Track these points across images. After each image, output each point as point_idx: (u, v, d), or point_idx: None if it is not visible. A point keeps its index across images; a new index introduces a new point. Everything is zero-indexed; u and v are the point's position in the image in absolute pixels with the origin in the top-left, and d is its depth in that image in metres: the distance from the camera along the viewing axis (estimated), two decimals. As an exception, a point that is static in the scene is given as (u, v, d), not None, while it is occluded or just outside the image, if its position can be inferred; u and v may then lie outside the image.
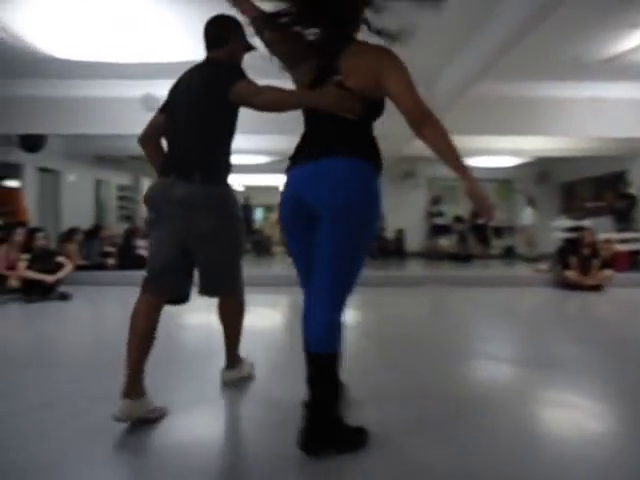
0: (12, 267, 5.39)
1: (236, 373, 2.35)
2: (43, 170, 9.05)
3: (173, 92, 2.07)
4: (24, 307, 4.95)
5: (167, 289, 1.98)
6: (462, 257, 10.22)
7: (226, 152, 2.06)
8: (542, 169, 12.03)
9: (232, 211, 2.06)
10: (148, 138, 2.14)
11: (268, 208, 16.11)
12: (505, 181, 12.51)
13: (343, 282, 1.63)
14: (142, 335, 1.89)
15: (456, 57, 5.54)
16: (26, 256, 5.31)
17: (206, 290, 2.08)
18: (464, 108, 6.31)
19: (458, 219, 11.42)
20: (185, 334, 3.80)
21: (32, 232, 5.61)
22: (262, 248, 12.06)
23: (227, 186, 2.06)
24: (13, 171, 8.29)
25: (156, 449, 1.74)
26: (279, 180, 15.57)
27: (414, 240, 11.63)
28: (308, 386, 1.62)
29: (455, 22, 4.76)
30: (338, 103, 1.57)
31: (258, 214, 16.23)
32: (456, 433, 1.86)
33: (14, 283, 5.33)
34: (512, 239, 11.76)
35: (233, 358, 2.33)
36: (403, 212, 11.56)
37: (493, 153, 10.07)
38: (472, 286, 6.54)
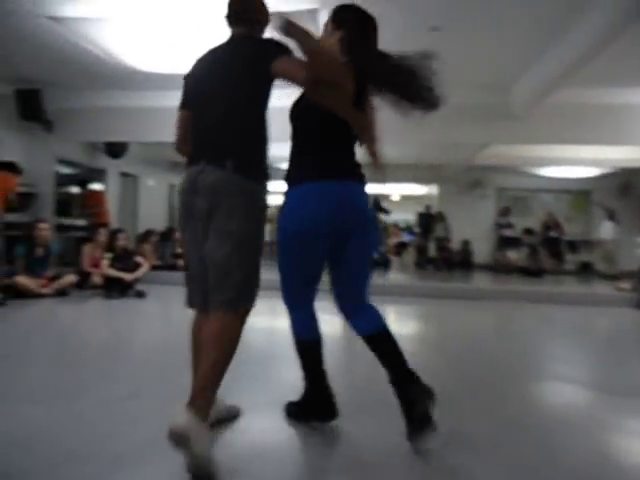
0: (96, 265, 5.80)
1: (199, 427, 1.47)
2: (124, 175, 9.69)
3: (193, 77, 1.87)
4: (104, 302, 5.31)
5: (206, 302, 1.74)
6: (533, 271, 9.72)
7: (262, 140, 1.78)
8: (624, 180, 11.21)
9: (258, 215, 1.74)
10: (184, 141, 1.89)
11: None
12: (582, 192, 11.79)
13: None
14: (199, 352, 1.75)
15: (535, 62, 5.32)
16: (109, 255, 5.70)
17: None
18: (543, 115, 6.05)
19: (528, 231, 10.90)
20: (246, 336, 3.90)
21: (114, 233, 6.01)
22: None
23: (262, 184, 1.76)
24: (98, 175, 8.96)
25: (226, 450, 1.79)
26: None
27: (481, 252, 11.22)
28: (391, 370, 1.80)
29: (535, 26, 4.59)
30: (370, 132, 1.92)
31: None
32: (528, 457, 1.77)
33: (97, 280, 5.73)
34: (589, 254, 11.04)
35: (204, 401, 1.55)
36: (470, 222, 11.21)
37: (572, 163, 9.53)
38: (544, 303, 6.21)
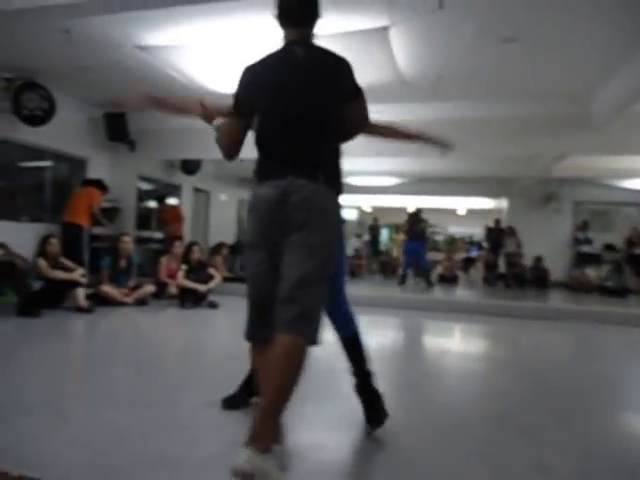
0: (172, 276, 6.12)
1: (262, 461, 1.43)
2: (197, 190, 10.20)
3: (259, 87, 1.73)
4: (180, 312, 5.57)
5: (269, 332, 1.60)
6: (616, 291, 9.04)
7: (340, 156, 1.80)
8: None
9: (340, 231, 1.79)
10: (237, 149, 1.78)
11: (394, 228, 16.02)
12: (673, 206, 10.87)
13: None
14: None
15: (617, 70, 5.02)
16: (184, 267, 6.00)
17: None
18: (627, 124, 5.68)
19: (609, 247, 10.18)
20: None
21: (190, 245, 6.32)
22: (389, 269, 12.02)
23: (340, 200, 1.75)
24: (174, 190, 9.50)
25: (300, 465, 1.82)
26: (406, 201, 15.44)
27: (556, 269, 10.60)
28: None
29: (615, 33, 4.35)
30: None
31: (384, 234, 16.22)
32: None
33: (173, 290, 6.04)
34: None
35: (266, 434, 1.48)
36: (543, 238, 10.65)
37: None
38: (629, 325, 5.75)
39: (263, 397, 1.57)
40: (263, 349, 1.66)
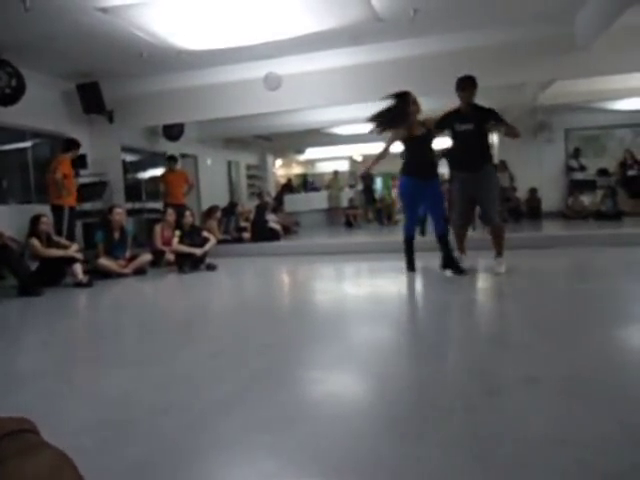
0: (168, 243, 6.14)
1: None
2: (184, 156, 10.04)
3: None
4: (179, 277, 5.62)
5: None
6: (610, 215, 9.07)
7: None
8: None
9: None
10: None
11: (389, 177, 15.87)
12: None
13: None
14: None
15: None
16: (178, 232, 6.01)
17: None
18: (613, 43, 5.51)
19: (603, 172, 10.13)
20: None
21: (181, 211, 6.29)
22: (383, 216, 12.01)
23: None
24: (161, 159, 9.34)
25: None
26: (396, 147, 15.21)
27: (550, 199, 10.59)
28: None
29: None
30: None
31: (378, 183, 16.08)
32: (606, 396, 1.72)
33: (170, 257, 6.07)
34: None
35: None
36: (536, 169, 10.57)
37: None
38: (623, 246, 5.81)
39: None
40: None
